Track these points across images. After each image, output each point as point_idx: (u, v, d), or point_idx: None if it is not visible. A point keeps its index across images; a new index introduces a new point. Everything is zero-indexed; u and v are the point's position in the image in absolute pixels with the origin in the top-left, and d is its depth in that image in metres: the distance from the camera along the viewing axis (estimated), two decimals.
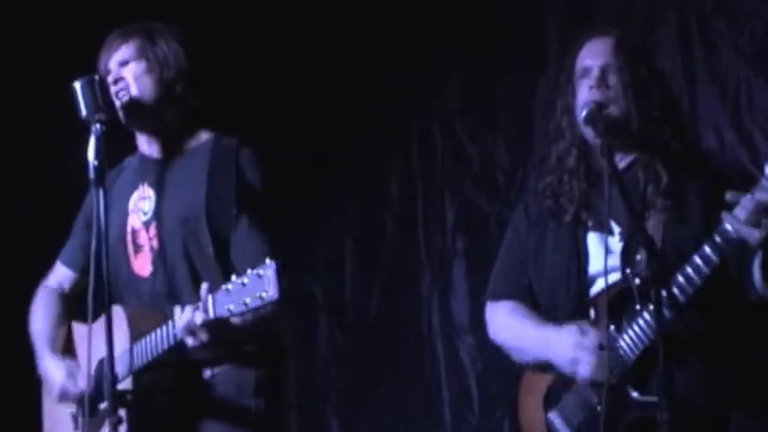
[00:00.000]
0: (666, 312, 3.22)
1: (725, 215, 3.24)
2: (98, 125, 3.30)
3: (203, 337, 3.27)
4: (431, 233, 5.68)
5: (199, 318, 3.23)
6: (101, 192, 3.25)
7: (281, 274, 3.09)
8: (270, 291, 3.09)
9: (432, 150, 5.71)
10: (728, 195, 3.23)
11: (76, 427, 3.68)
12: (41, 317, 3.79)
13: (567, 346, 3.44)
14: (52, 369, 3.69)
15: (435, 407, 5.60)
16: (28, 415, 3.93)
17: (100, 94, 3.37)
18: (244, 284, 3.13)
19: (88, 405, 3.53)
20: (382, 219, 5.84)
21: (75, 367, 3.67)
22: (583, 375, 3.42)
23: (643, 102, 3.50)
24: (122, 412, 3.24)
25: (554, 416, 3.51)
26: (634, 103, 3.49)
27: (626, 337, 3.38)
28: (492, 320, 3.77)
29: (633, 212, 3.31)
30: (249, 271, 3.13)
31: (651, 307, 3.21)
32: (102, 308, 3.19)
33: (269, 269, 3.10)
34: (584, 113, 3.43)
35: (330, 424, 5.87)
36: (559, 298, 3.56)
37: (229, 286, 3.17)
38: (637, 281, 3.35)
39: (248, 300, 3.13)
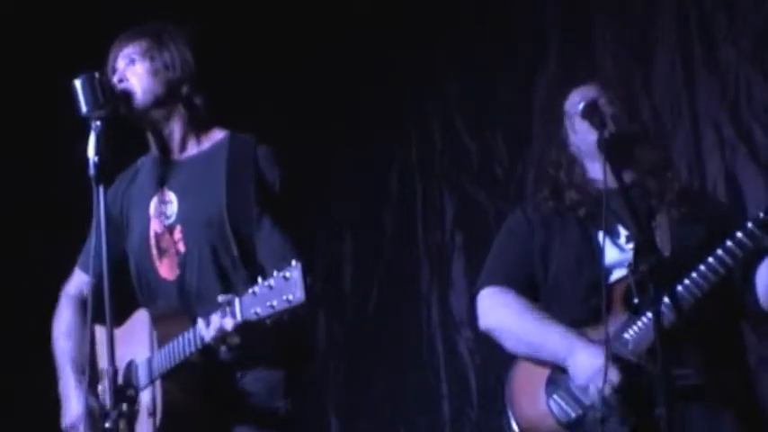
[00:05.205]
0: (669, 311, 3.27)
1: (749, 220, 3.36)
2: (98, 122, 3.27)
3: (234, 341, 3.24)
4: (430, 228, 5.69)
5: (229, 323, 3.20)
6: (101, 189, 3.22)
7: (306, 274, 3.08)
8: (296, 293, 3.07)
9: (431, 146, 5.72)
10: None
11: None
12: (65, 333, 3.74)
13: (591, 369, 3.43)
14: (72, 397, 3.64)
15: (434, 401, 5.60)
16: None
17: (100, 90, 3.33)
18: (270, 287, 3.11)
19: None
20: (382, 214, 5.84)
21: (96, 407, 3.55)
22: (591, 398, 3.43)
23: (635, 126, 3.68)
24: (124, 407, 3.25)
25: (558, 398, 3.53)
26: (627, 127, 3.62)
27: (639, 323, 3.44)
28: (491, 304, 3.73)
29: (636, 215, 3.35)
30: (275, 273, 3.11)
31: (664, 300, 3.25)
32: (122, 311, 3.18)
33: (295, 271, 3.08)
34: (581, 106, 3.49)
35: (329, 418, 5.87)
36: (567, 289, 3.59)
37: (256, 289, 3.15)
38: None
39: (275, 302, 3.11)
